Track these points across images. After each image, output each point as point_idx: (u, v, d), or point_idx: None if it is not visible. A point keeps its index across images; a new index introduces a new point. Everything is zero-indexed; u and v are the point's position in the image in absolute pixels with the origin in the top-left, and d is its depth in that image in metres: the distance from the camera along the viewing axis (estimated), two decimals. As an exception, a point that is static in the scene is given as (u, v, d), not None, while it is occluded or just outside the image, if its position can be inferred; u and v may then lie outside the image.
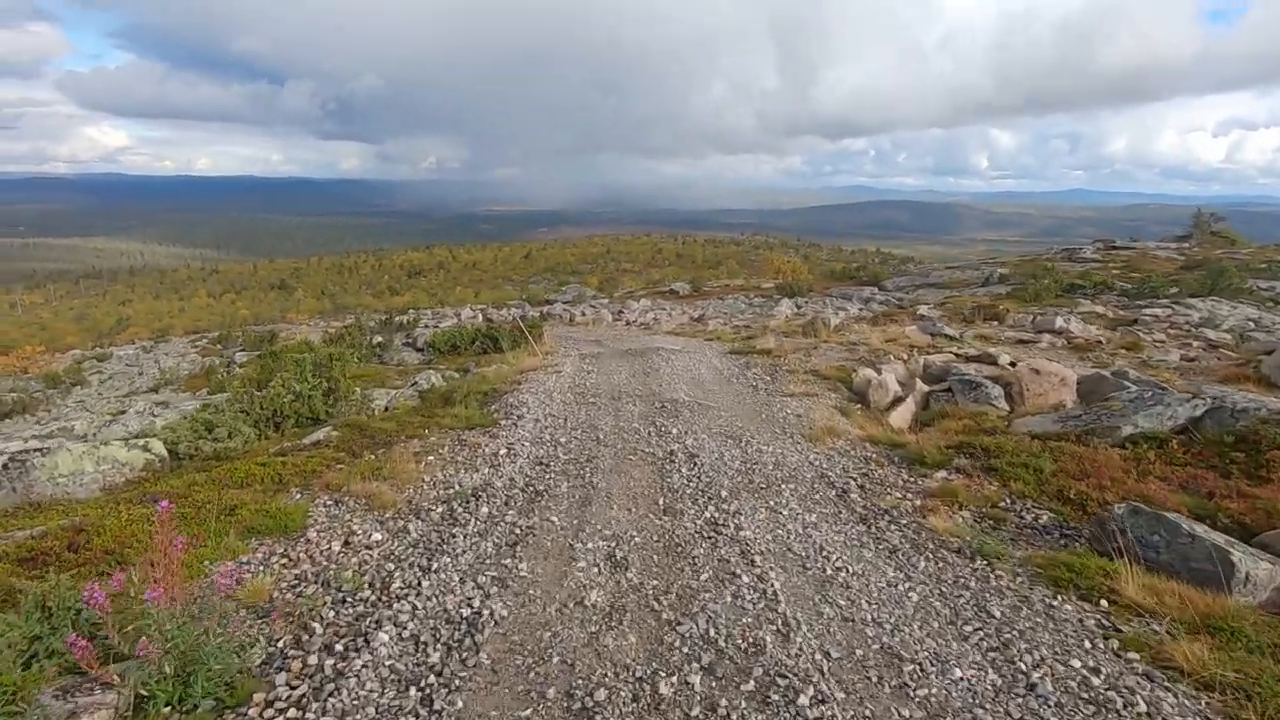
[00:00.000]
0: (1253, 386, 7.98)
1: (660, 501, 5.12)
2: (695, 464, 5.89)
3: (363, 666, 3.10)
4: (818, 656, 3.21)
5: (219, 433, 7.10)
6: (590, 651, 3.27)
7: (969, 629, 3.46)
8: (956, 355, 10.19)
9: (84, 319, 69.11)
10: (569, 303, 30.54)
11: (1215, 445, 5.76)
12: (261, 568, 4.07)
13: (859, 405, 8.14)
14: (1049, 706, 2.88)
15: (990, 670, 3.13)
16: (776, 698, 2.93)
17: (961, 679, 3.06)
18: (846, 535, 4.57)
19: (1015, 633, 3.41)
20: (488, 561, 4.17)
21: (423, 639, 3.35)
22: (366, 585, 3.87)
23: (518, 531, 4.60)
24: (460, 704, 2.90)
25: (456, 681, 3.04)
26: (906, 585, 3.89)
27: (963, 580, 3.95)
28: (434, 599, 3.71)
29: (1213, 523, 4.43)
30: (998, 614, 3.58)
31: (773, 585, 3.84)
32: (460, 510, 4.95)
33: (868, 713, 2.87)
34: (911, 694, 2.97)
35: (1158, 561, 3.97)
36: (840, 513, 4.96)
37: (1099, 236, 35.47)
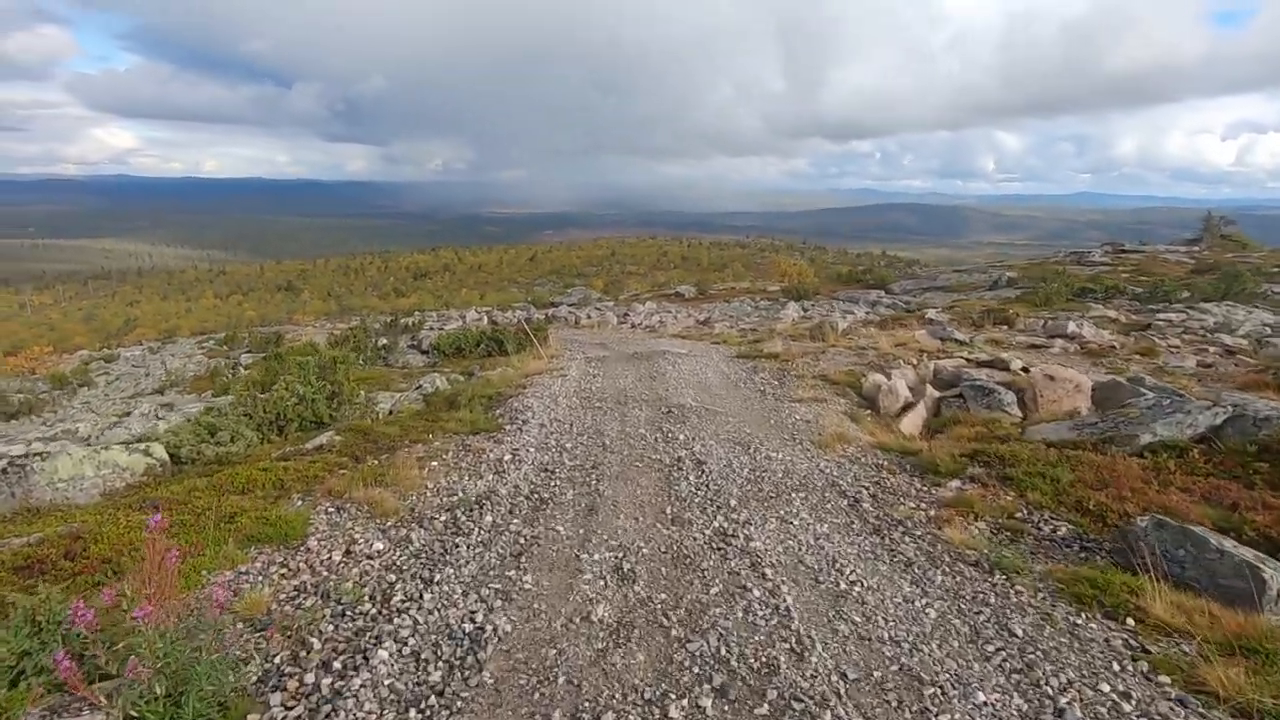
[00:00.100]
0: (1273, 393, 7.80)
1: (668, 510, 5.00)
2: (703, 471, 5.77)
3: (361, 686, 2.99)
4: (834, 678, 3.09)
5: (221, 436, 7.03)
6: (597, 670, 3.15)
7: (990, 649, 3.32)
8: (967, 360, 10.03)
9: (92, 320, 69.48)
10: (574, 305, 30.45)
11: (1238, 455, 5.59)
12: (260, 578, 3.97)
13: (869, 411, 8.00)
14: (1079, 735, 2.75)
15: (1015, 694, 2.99)
16: (792, 722, 2.80)
17: (985, 704, 2.93)
18: (860, 547, 4.44)
19: (1039, 653, 3.27)
20: (491, 573, 4.06)
21: (424, 656, 3.24)
22: (367, 597, 3.76)
23: (522, 541, 4.49)
24: (462, 727, 2.79)
25: (458, 702, 2.93)
26: (924, 601, 3.76)
27: (982, 596, 3.82)
28: (436, 613, 3.60)
29: (1238, 536, 4.27)
30: (1020, 633, 3.44)
31: (785, 600, 3.72)
32: (464, 518, 4.85)
33: (887, 739, 2.74)
34: (933, 720, 2.84)
35: (1183, 577, 3.83)
36: (853, 523, 4.83)
37: (1107, 239, 35.17)
